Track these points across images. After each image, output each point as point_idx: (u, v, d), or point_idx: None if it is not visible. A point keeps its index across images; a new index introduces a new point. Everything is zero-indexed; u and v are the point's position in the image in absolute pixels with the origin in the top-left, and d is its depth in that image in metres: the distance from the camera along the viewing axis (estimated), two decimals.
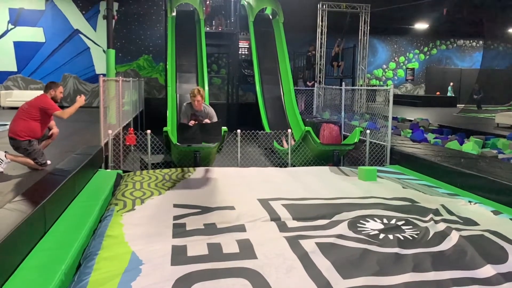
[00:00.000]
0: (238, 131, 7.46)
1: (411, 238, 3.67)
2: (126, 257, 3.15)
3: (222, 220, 4.09)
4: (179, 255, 3.20)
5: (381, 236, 3.70)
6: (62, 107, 5.19)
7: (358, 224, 4.00)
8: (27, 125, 4.84)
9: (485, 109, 18.86)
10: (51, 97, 5.01)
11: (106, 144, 6.67)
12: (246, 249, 3.33)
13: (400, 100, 20.27)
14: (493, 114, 13.97)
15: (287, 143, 7.70)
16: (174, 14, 12.71)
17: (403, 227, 3.95)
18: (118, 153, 7.03)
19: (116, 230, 3.74)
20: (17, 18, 15.86)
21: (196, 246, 3.39)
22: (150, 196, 4.87)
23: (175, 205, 4.58)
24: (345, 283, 2.78)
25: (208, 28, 13.68)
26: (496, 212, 4.47)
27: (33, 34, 15.94)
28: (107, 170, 6.42)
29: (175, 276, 2.84)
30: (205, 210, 4.43)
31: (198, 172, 6.15)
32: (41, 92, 5.11)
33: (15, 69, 15.91)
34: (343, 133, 9.73)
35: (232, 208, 4.49)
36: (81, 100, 5.21)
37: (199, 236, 3.64)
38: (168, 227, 3.88)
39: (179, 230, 3.81)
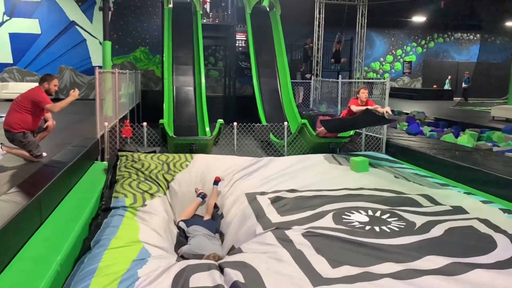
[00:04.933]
0: (235, 123, 7.47)
1: (397, 229, 3.68)
2: (136, 249, 3.22)
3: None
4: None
5: (367, 227, 3.71)
6: (58, 100, 5.18)
7: (345, 216, 3.99)
8: (21, 117, 4.84)
9: (472, 102, 18.96)
10: (45, 89, 5.00)
11: (102, 136, 6.67)
12: (236, 249, 3.39)
13: (397, 93, 20.28)
14: (489, 108, 14.01)
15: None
16: (170, 6, 12.62)
17: (390, 219, 3.95)
18: (114, 145, 7.03)
19: (130, 223, 3.78)
20: (12, 9, 15.73)
21: None
22: (157, 192, 4.90)
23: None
24: (334, 273, 2.81)
25: (205, 20, 13.61)
26: (486, 202, 4.50)
27: (29, 25, 15.83)
28: (103, 162, 6.42)
29: (177, 267, 2.91)
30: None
31: (195, 161, 6.10)
32: (37, 84, 5.10)
33: (11, 61, 15.82)
34: None
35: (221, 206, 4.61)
36: (74, 94, 5.17)
37: None
38: (174, 227, 4.02)
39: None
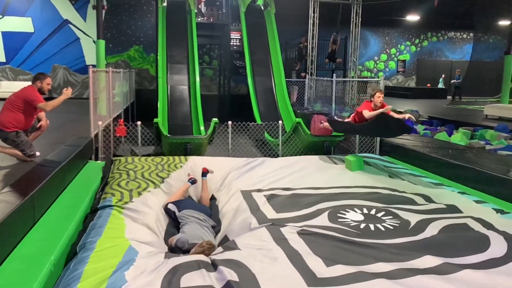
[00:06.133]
0: (229, 122, 7.47)
1: (392, 227, 3.70)
2: (123, 249, 3.17)
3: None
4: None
5: (362, 225, 3.72)
6: (51, 99, 5.15)
7: (340, 214, 4.01)
8: (13, 116, 4.81)
9: (466, 100, 19.07)
10: (38, 88, 4.97)
11: (96, 135, 6.64)
12: (230, 241, 3.38)
13: (391, 92, 20.36)
14: (482, 106, 14.11)
15: None
16: (165, 4, 12.58)
17: (385, 217, 3.96)
18: (108, 144, 7.01)
19: (116, 222, 3.74)
20: (5, 7, 15.60)
21: None
22: (146, 189, 4.83)
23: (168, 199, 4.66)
24: (328, 272, 2.82)
25: (199, 19, 13.59)
26: (479, 201, 4.54)
27: (22, 24, 15.70)
28: (97, 161, 6.40)
29: (167, 267, 2.87)
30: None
31: (189, 162, 6.12)
32: (30, 83, 5.07)
33: (4, 60, 15.69)
34: None
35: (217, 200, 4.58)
36: (67, 93, 5.13)
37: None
38: (164, 219, 3.95)
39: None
